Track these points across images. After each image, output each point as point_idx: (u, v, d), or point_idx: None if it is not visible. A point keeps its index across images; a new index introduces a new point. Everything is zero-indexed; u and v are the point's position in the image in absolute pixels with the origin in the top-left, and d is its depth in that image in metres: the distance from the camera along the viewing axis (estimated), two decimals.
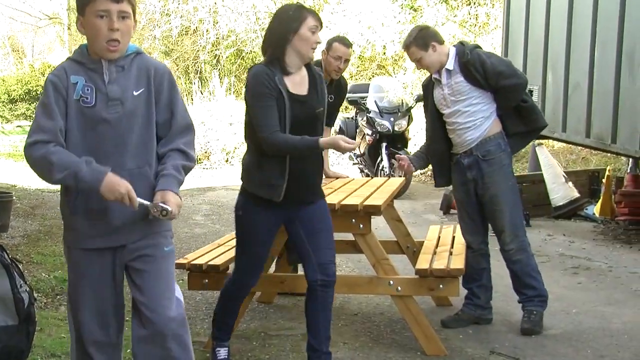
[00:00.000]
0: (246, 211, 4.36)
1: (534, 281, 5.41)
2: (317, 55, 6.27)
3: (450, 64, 5.31)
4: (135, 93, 3.30)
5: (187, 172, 3.47)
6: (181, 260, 5.20)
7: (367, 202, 4.97)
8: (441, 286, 5.02)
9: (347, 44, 6.28)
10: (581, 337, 5.25)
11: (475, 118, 5.32)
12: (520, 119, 5.38)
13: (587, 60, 8.36)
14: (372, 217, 5.05)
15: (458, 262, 5.22)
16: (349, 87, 13.43)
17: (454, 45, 5.43)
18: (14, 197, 9.58)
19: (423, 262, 5.20)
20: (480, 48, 5.41)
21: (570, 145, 11.64)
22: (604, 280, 6.85)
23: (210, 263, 5.16)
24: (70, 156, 3.20)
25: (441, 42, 5.35)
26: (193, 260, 5.22)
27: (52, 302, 6.12)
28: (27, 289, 4.31)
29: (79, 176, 3.17)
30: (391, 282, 5.04)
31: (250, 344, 5.19)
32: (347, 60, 6.27)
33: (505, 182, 5.40)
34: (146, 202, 3.26)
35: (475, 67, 5.21)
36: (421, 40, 5.31)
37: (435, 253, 5.50)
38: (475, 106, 5.30)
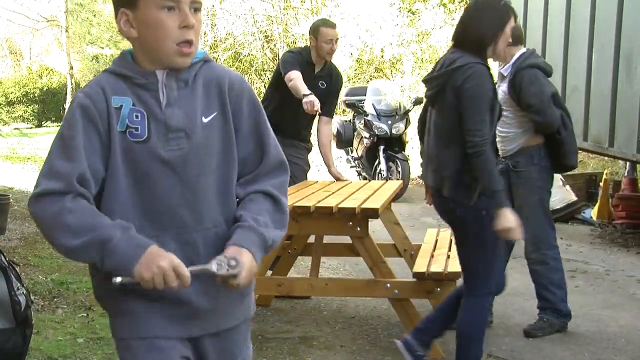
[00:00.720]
0: (488, 211, 4.06)
1: (549, 294, 5.38)
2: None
3: (506, 69, 5.27)
4: (204, 120, 2.29)
5: (278, 229, 2.40)
6: None
7: (364, 205, 4.97)
8: (438, 289, 5.02)
9: (332, 25, 6.38)
10: (578, 340, 5.26)
11: (509, 130, 5.32)
12: (550, 149, 5.34)
13: (584, 64, 8.37)
14: (369, 220, 5.05)
15: (455, 266, 5.22)
16: (346, 90, 13.53)
17: (525, 50, 5.30)
18: (12, 200, 9.56)
19: (420, 266, 5.20)
20: (537, 68, 5.21)
21: None
22: (601, 284, 6.85)
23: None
24: (96, 216, 2.16)
25: (516, 42, 5.08)
26: None
27: (49, 304, 6.11)
28: (24, 292, 4.30)
29: (107, 248, 2.12)
30: (388, 285, 5.04)
31: None
32: (337, 40, 6.32)
33: (532, 195, 5.33)
34: (206, 266, 2.17)
35: (515, 87, 5.17)
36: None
37: (432, 256, 5.50)
38: (512, 119, 5.28)
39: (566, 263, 7.47)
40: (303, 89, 6.10)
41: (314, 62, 6.40)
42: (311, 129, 6.70)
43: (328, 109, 6.53)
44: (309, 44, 6.45)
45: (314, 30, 6.31)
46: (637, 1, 7.49)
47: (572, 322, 5.63)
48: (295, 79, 6.18)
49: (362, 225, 4.99)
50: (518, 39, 5.16)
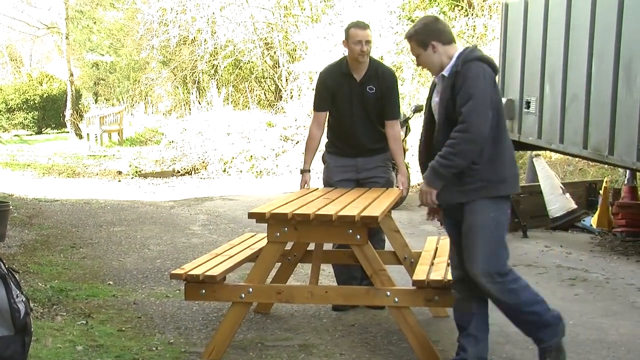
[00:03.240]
0: None
1: (531, 316, 4.87)
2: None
3: (447, 70, 4.64)
4: None
5: None
6: (178, 271, 5.20)
7: (364, 213, 4.97)
8: (437, 297, 5.03)
9: (363, 26, 6.19)
10: (578, 349, 5.24)
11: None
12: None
13: (584, 72, 8.37)
14: (369, 228, 5.05)
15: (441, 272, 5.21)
16: None
17: (465, 48, 4.75)
18: (11, 207, 9.57)
19: (420, 274, 5.19)
20: (483, 60, 4.61)
21: (568, 156, 11.65)
22: (601, 292, 6.85)
23: (207, 274, 5.14)
24: None
25: (446, 42, 4.65)
26: (190, 270, 5.21)
27: (49, 312, 6.11)
28: (24, 299, 4.30)
29: None
30: (388, 293, 5.04)
31: (247, 355, 5.18)
32: (368, 42, 6.11)
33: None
34: None
35: (457, 83, 4.54)
36: (422, 36, 4.66)
37: (432, 264, 5.49)
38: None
39: (566, 271, 7.49)
40: (306, 162, 6.52)
41: (352, 71, 6.23)
42: (378, 136, 6.36)
43: (390, 111, 6.31)
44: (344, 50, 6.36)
45: (346, 32, 6.20)
46: (637, 10, 7.49)
47: (572, 330, 5.62)
48: (311, 137, 6.45)
49: (361, 233, 4.98)
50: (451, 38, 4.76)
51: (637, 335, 5.57)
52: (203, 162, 17.49)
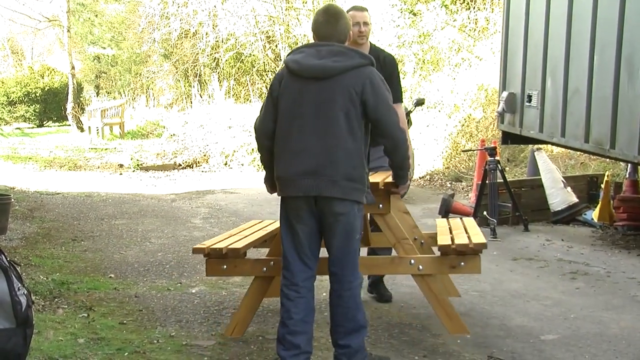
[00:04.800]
0: None
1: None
2: None
3: None
4: None
5: None
6: (200, 246, 5.21)
7: (388, 180, 4.96)
8: (462, 263, 5.07)
9: (360, 9, 6.18)
10: (579, 342, 5.25)
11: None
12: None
13: (586, 66, 8.36)
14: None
15: (479, 238, 5.22)
16: None
17: None
18: (13, 200, 9.58)
19: (444, 240, 5.21)
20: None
21: (569, 150, 11.64)
22: (602, 286, 6.85)
23: (230, 247, 5.15)
24: None
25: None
26: (212, 245, 5.20)
27: (50, 304, 6.12)
28: (25, 292, 4.31)
29: None
30: (412, 261, 5.11)
31: (248, 348, 5.18)
32: (365, 23, 6.07)
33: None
34: None
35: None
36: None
37: (451, 233, 5.52)
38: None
39: (567, 265, 7.49)
40: None
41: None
42: None
43: (393, 94, 6.34)
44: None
45: None
46: (639, 3, 7.48)
47: (573, 324, 5.62)
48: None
49: (384, 202, 5.01)
50: None
51: (637, 329, 5.57)
52: (204, 155, 17.50)
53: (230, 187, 13.82)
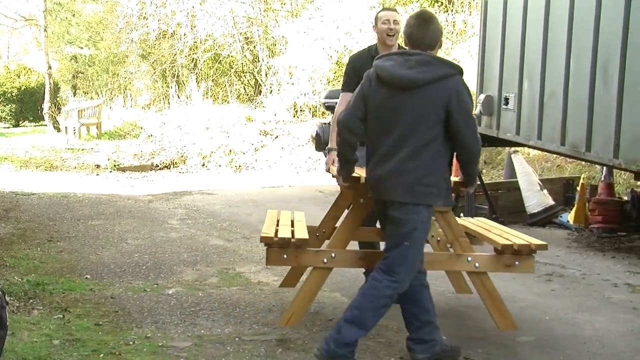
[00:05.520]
0: None
1: None
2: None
3: None
4: None
5: None
6: (267, 234, 5.22)
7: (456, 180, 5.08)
8: (517, 263, 5.26)
9: (390, 8, 6.50)
10: (554, 344, 5.28)
11: None
12: None
13: (562, 70, 8.42)
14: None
15: (535, 240, 5.40)
16: (326, 93, 13.54)
17: None
18: None
19: (500, 239, 5.36)
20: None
21: (546, 153, 11.71)
22: (577, 288, 6.89)
23: (297, 237, 5.21)
24: None
25: None
26: (278, 234, 5.22)
27: (25, 306, 6.07)
28: (0, 293, 4.28)
29: None
30: (469, 258, 5.29)
31: (224, 349, 5.17)
32: (395, 21, 6.25)
33: None
34: None
35: None
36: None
37: (493, 234, 5.68)
38: None
39: (543, 267, 7.53)
40: (333, 139, 6.33)
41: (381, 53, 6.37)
42: None
43: None
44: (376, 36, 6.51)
45: (375, 19, 6.42)
46: (614, 9, 7.54)
47: (548, 325, 5.66)
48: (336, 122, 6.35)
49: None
50: None
51: (611, 330, 5.62)
52: (182, 156, 17.46)
53: (208, 188, 13.79)
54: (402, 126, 4.60)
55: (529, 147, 10.33)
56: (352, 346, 4.70)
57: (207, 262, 7.83)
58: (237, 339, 5.39)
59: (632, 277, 7.26)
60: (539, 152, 12.10)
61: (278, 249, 5.17)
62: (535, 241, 5.33)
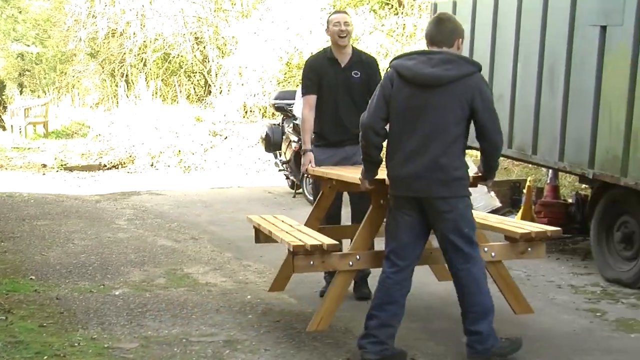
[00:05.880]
0: None
1: None
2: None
3: None
4: None
5: None
6: (298, 243, 5.20)
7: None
8: (529, 249, 5.57)
9: (340, 11, 6.76)
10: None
11: None
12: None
13: (510, 73, 8.51)
14: None
15: (546, 227, 5.79)
16: (276, 94, 13.52)
17: None
18: None
19: (516, 229, 5.62)
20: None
21: None
22: (522, 289, 6.90)
23: (328, 242, 5.21)
24: None
25: None
26: (307, 242, 5.22)
27: None
28: None
29: None
30: (486, 248, 5.51)
31: (171, 350, 5.14)
32: (346, 23, 6.44)
33: None
34: None
35: None
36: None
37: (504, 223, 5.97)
38: None
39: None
40: (306, 142, 6.46)
41: (337, 57, 6.51)
42: None
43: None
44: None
45: (327, 22, 6.58)
46: (560, 15, 7.64)
47: (494, 326, 5.70)
48: (304, 119, 6.54)
49: None
50: None
51: (555, 330, 5.70)
52: (130, 156, 17.30)
53: (156, 188, 13.69)
54: (430, 123, 4.76)
55: (477, 149, 10.42)
56: (493, 333, 4.92)
57: (155, 262, 7.78)
58: (184, 340, 5.37)
59: (575, 278, 7.37)
60: None
61: (304, 255, 5.17)
62: (549, 228, 5.67)
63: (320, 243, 5.16)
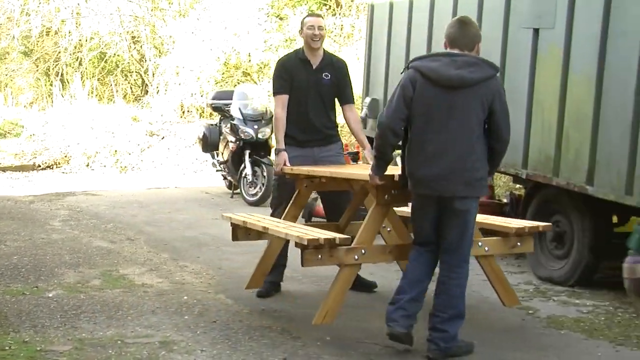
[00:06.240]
0: None
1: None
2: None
3: None
4: None
5: None
6: (313, 237, 5.25)
7: None
8: (519, 244, 5.87)
9: (315, 14, 6.88)
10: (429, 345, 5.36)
11: None
12: None
13: None
14: None
15: (537, 222, 6.21)
16: (213, 94, 13.46)
17: None
18: None
19: (512, 225, 5.96)
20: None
21: None
22: None
23: (339, 237, 5.31)
24: None
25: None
26: (320, 237, 5.28)
27: None
28: None
29: None
30: (480, 243, 5.75)
31: (106, 352, 5.09)
32: (320, 27, 6.56)
33: None
34: None
35: None
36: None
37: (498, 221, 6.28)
38: None
39: None
40: (279, 141, 6.53)
41: (309, 58, 6.60)
42: (331, 123, 6.80)
43: (346, 95, 6.77)
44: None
45: (301, 23, 6.70)
46: (494, 17, 7.74)
47: (423, 325, 5.75)
48: (278, 118, 6.59)
49: None
50: None
51: (489, 328, 5.80)
52: (65, 156, 17.05)
53: (92, 189, 13.52)
54: (455, 123, 4.92)
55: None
56: (457, 337, 5.09)
57: (90, 264, 7.69)
58: (119, 341, 5.32)
59: (509, 277, 7.40)
60: None
61: (314, 250, 5.25)
62: (541, 223, 6.07)
63: (333, 237, 5.29)
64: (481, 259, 5.83)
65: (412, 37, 9.45)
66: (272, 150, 12.28)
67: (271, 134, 12.09)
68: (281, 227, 5.85)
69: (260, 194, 11.48)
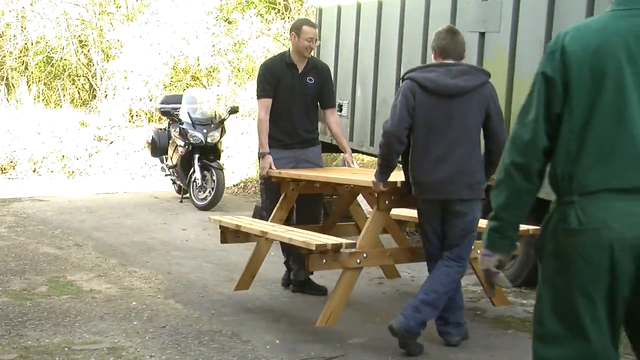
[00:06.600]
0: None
1: None
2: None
3: None
4: None
5: None
6: (321, 243, 5.32)
7: None
8: (517, 244, 5.83)
9: (313, 25, 6.91)
10: (383, 344, 5.40)
11: None
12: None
13: (393, 78, 8.66)
14: None
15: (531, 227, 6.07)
16: (162, 98, 13.39)
17: None
18: None
19: None
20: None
21: None
22: (407, 290, 7.09)
23: (345, 241, 5.41)
24: None
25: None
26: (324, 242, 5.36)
27: None
28: None
29: None
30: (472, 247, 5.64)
31: None
32: (315, 40, 6.75)
33: None
34: None
35: None
36: None
37: None
38: None
39: (375, 270, 7.71)
40: (263, 145, 6.68)
41: (295, 62, 6.70)
42: (313, 126, 6.96)
43: (329, 99, 6.97)
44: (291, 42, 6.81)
45: (297, 28, 6.68)
46: (441, 21, 7.79)
47: (381, 327, 5.79)
48: (261, 121, 6.73)
49: None
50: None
51: (432, 328, 5.84)
52: (11, 162, 16.81)
53: (39, 194, 13.35)
54: (454, 130, 5.16)
55: (362, 153, 10.56)
56: (425, 325, 5.22)
57: (37, 270, 7.59)
58: (66, 348, 5.26)
59: None
60: (373, 157, 12.38)
61: (319, 254, 5.34)
62: (531, 227, 5.92)
63: (339, 242, 5.40)
64: (473, 260, 5.91)
65: (360, 41, 9.50)
66: (221, 154, 12.32)
67: (220, 138, 12.06)
68: (281, 231, 5.95)
69: (209, 198, 11.45)
